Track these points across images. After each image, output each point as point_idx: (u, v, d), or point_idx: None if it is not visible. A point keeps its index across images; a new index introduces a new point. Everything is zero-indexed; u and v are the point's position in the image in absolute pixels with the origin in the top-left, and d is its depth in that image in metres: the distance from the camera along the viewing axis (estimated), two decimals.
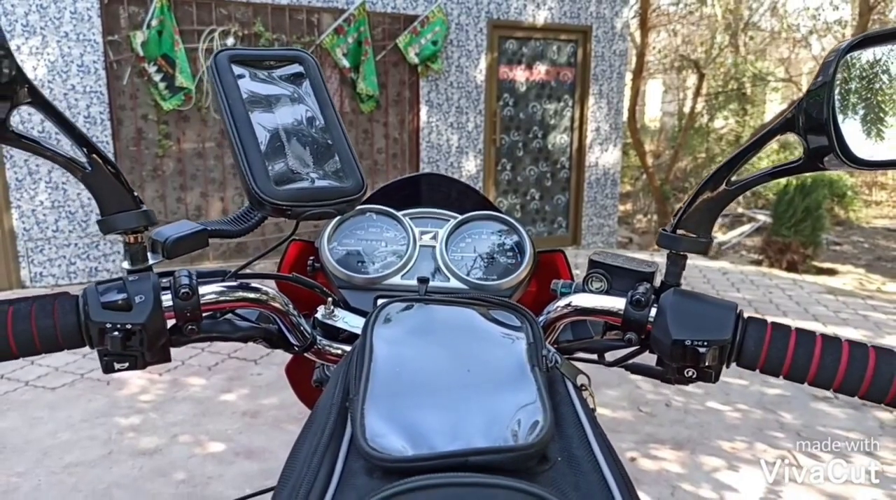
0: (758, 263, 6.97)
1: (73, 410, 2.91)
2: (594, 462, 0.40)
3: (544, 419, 0.40)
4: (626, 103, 8.23)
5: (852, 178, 12.07)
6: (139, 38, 4.59)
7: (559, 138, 6.51)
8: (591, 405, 0.48)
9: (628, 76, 8.33)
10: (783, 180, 8.65)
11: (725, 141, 11.64)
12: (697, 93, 10.53)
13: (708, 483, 2.44)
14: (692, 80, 11.46)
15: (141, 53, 4.62)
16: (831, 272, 6.69)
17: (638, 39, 9.81)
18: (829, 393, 3.30)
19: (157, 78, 4.74)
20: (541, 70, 6.25)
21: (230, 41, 4.96)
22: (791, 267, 6.42)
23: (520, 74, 6.18)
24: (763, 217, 9.28)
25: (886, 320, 4.57)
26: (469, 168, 6.10)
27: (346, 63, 5.28)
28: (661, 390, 3.26)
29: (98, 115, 4.61)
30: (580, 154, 6.57)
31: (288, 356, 0.90)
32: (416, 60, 5.56)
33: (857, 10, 9.82)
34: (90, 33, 4.56)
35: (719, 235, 9.56)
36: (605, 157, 6.70)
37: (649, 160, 10.68)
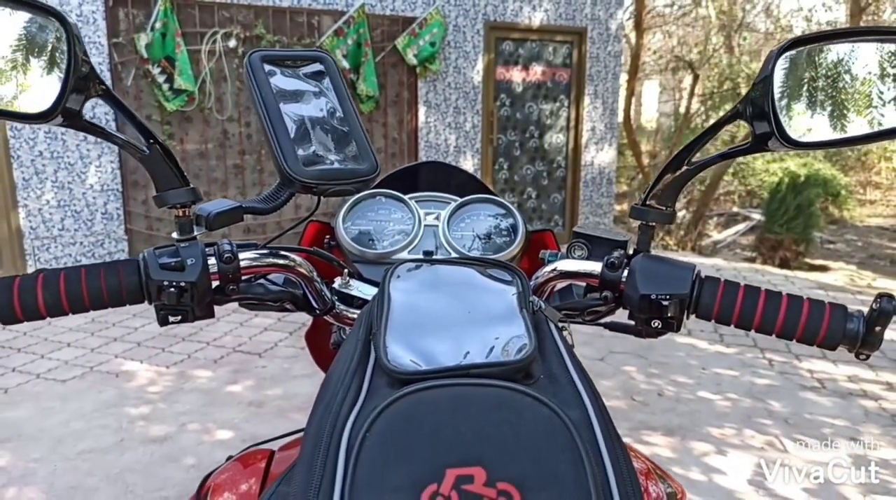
0: (751, 260, 7.08)
1: (84, 401, 3.01)
2: (570, 379, 0.50)
3: (530, 344, 0.51)
4: (622, 104, 8.33)
5: (846, 177, 12.20)
6: (143, 40, 4.69)
7: (555, 138, 6.62)
8: (570, 342, 0.58)
9: (623, 77, 8.44)
10: (776, 179, 8.77)
11: (721, 141, 11.75)
12: (692, 93, 10.65)
13: (697, 466, 2.54)
14: (688, 80, 11.58)
15: (145, 55, 4.72)
16: (823, 269, 6.80)
17: (633, 41, 9.92)
18: (816, 383, 3.40)
19: (160, 79, 4.83)
20: (537, 71, 6.35)
21: (232, 43, 5.06)
22: (783, 264, 6.53)
23: (516, 75, 6.29)
24: (757, 216, 9.39)
25: None
26: (467, 167, 6.20)
27: (345, 64, 5.38)
28: (654, 380, 3.36)
29: (102, 115, 4.70)
30: (576, 153, 6.68)
31: (306, 329, 1.00)
32: (415, 62, 5.66)
33: (850, 11, 9.95)
34: (95, 36, 4.66)
35: (714, 234, 9.68)
36: (600, 156, 6.81)
37: (645, 160, 10.79)
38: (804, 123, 0.63)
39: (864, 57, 0.60)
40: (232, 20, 5.07)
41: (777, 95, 0.61)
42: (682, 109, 11.60)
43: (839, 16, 11.50)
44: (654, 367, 3.53)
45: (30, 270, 4.68)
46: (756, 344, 3.91)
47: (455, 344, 0.51)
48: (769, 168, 10.46)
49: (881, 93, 0.60)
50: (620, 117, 7.99)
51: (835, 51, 0.61)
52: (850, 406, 3.10)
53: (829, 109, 0.62)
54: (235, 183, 5.34)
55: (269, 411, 2.93)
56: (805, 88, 0.63)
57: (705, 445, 2.70)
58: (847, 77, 0.61)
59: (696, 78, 10.46)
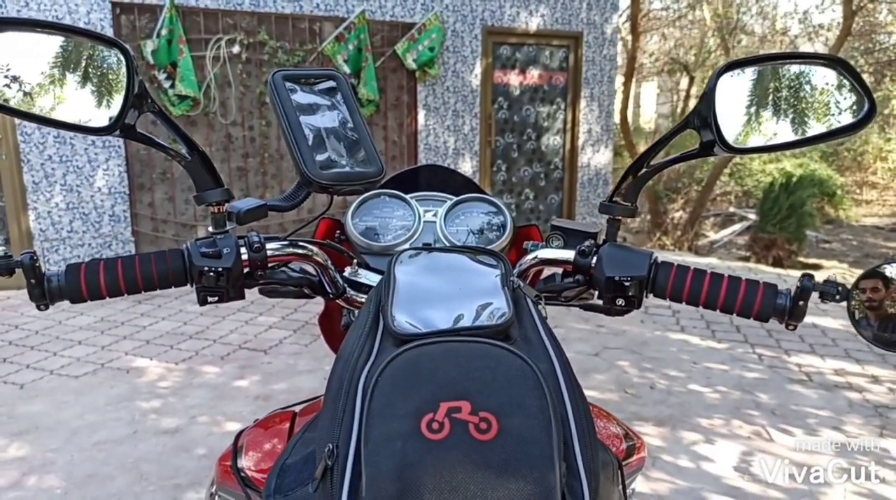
0: (745, 259, 7.20)
1: (97, 395, 3.12)
2: (541, 341, 0.62)
3: (509, 312, 0.63)
4: (618, 106, 8.45)
5: (843, 177, 12.32)
6: (149, 46, 4.81)
7: (552, 140, 6.74)
8: (544, 314, 0.70)
9: (620, 79, 8.57)
10: (769, 179, 8.89)
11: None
12: (688, 95, 10.79)
13: (686, 455, 2.65)
14: (684, 82, 11.72)
15: (151, 61, 4.84)
16: (816, 267, 6.92)
17: (629, 44, 10.05)
18: (804, 377, 3.52)
19: (166, 85, 4.96)
20: (534, 74, 6.48)
21: (236, 49, 5.18)
22: (777, 262, 6.65)
23: (514, 79, 6.41)
24: (753, 216, 9.50)
25: None
26: (465, 169, 6.32)
27: (346, 69, 5.51)
28: (647, 374, 3.48)
29: None
30: (573, 155, 6.80)
31: (319, 314, 1.12)
32: (414, 66, 5.78)
33: (843, 13, 10.05)
34: None
35: (711, 234, 9.80)
36: (596, 158, 6.94)
37: None
38: (741, 131, 0.75)
39: (790, 77, 0.73)
40: (236, 27, 5.20)
41: (719, 109, 0.73)
42: (679, 110, 11.73)
43: (835, 16, 11.62)
44: (647, 361, 3.65)
45: None
46: (747, 340, 4.02)
47: (448, 313, 0.63)
48: (765, 168, 10.60)
49: (803, 106, 0.73)
50: (617, 119, 8.11)
51: (767, 71, 0.73)
52: (835, 398, 3.22)
53: (762, 120, 0.74)
54: (239, 185, 5.46)
55: (276, 405, 3.01)
56: (742, 102, 0.75)
57: (694, 434, 2.82)
58: (776, 93, 0.73)
59: (692, 80, 10.59)
